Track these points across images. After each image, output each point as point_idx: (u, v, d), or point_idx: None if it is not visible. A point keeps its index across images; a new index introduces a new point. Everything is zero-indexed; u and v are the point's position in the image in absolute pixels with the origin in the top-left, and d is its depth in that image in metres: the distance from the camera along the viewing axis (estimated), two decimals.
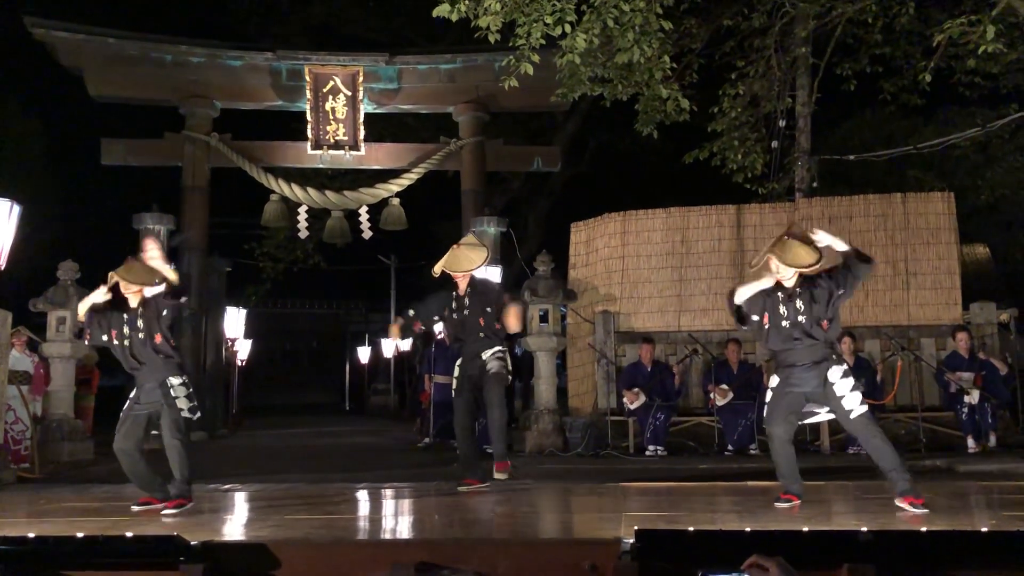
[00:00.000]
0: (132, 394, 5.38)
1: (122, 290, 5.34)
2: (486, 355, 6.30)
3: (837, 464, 8.04)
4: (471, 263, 6.36)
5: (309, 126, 14.12)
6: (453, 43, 14.99)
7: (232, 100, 14.44)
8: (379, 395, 28.74)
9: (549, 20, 8.34)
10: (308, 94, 14.01)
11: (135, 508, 5.20)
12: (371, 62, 14.18)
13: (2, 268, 7.19)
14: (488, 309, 6.37)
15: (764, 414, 5.39)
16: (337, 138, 14.14)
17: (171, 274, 5.37)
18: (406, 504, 5.91)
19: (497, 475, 6.35)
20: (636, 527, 3.08)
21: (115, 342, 5.35)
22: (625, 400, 9.75)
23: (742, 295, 5.25)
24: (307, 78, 14.01)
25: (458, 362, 6.53)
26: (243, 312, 19.87)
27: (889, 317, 10.38)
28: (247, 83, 14.31)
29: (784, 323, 5.11)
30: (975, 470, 7.54)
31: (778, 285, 5.17)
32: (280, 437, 15.65)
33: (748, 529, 3.17)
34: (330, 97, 14.07)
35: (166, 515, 5.05)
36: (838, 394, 5.02)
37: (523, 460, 8.96)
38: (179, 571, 3.04)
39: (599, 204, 13.44)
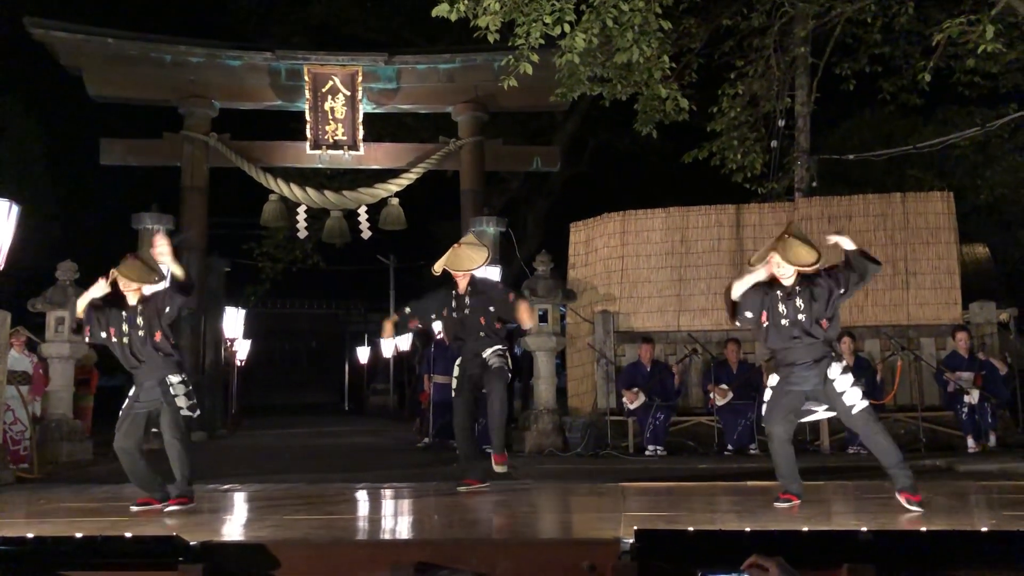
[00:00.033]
0: (131, 392, 5.38)
1: (121, 287, 5.34)
2: (487, 353, 6.29)
3: (837, 464, 8.04)
4: (472, 262, 6.35)
5: (308, 126, 14.11)
6: (452, 43, 14.97)
7: (231, 100, 14.43)
8: (378, 395, 28.75)
9: (548, 20, 8.34)
10: (307, 94, 14.01)
11: (134, 508, 5.19)
12: (370, 62, 14.18)
13: (1, 268, 7.17)
14: (491, 308, 6.36)
15: (763, 413, 5.38)
16: (336, 138, 14.13)
17: (178, 269, 5.37)
18: (405, 504, 5.90)
19: (496, 467, 6.35)
20: (636, 527, 3.07)
21: (114, 339, 5.34)
22: (625, 400, 9.75)
23: (739, 289, 5.25)
24: (306, 78, 14.00)
25: (457, 362, 6.52)
26: (242, 312, 19.85)
27: (889, 317, 10.38)
28: (246, 83, 14.30)
29: (784, 321, 5.11)
30: (975, 470, 7.54)
31: (777, 284, 5.17)
32: (279, 437, 15.65)
33: (748, 529, 3.17)
34: (329, 97, 14.07)
35: (169, 512, 5.07)
36: (839, 390, 5.03)
37: (523, 460, 8.96)
38: (178, 571, 3.04)
39: (598, 204, 13.44)
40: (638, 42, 8.89)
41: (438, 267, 6.38)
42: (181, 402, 5.31)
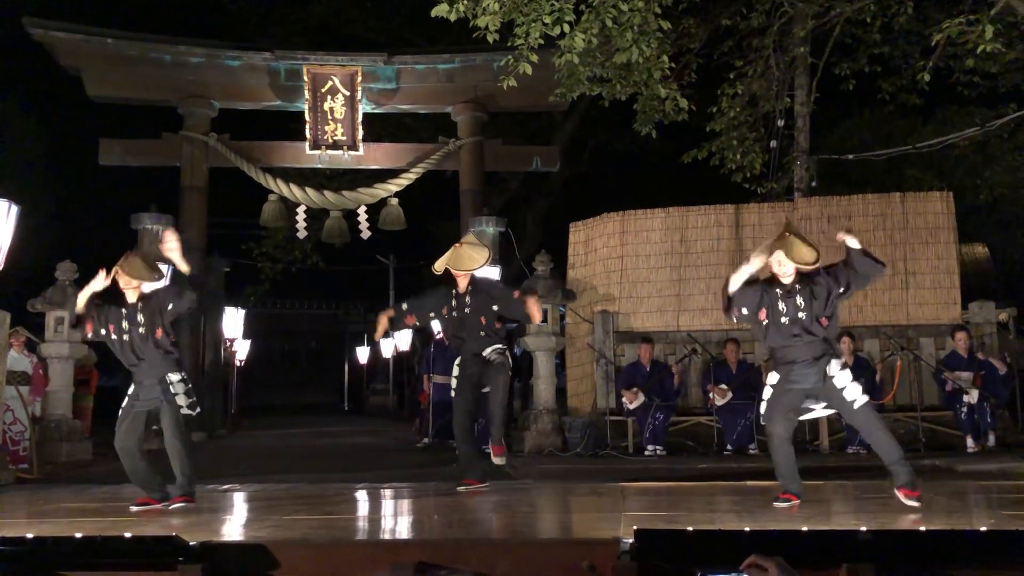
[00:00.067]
0: (131, 391, 5.38)
1: (120, 284, 5.34)
2: (487, 351, 6.30)
3: (836, 464, 8.05)
4: (474, 262, 6.35)
5: (307, 126, 14.11)
6: (451, 43, 14.97)
7: (230, 100, 14.43)
8: (378, 395, 28.74)
9: (547, 20, 8.35)
10: (306, 94, 14.00)
11: (134, 508, 5.19)
12: (369, 62, 14.17)
13: (1, 268, 7.17)
14: (494, 308, 6.36)
15: (763, 412, 5.38)
16: (335, 138, 14.13)
17: (184, 266, 5.37)
18: (405, 504, 5.90)
19: (495, 459, 6.36)
20: (635, 527, 3.07)
21: (113, 337, 5.34)
22: (624, 400, 9.75)
23: (735, 282, 5.25)
24: (305, 78, 14.00)
25: (457, 361, 6.52)
26: (242, 312, 19.87)
27: (888, 317, 10.39)
28: (245, 83, 14.30)
29: (783, 319, 5.12)
30: (974, 469, 7.55)
31: (776, 282, 5.18)
32: (279, 437, 15.65)
33: (747, 529, 3.16)
34: (328, 97, 14.07)
35: (172, 511, 5.09)
36: (839, 386, 5.04)
37: (522, 460, 8.97)
38: (177, 571, 3.04)
39: (598, 204, 13.43)
40: (637, 42, 8.89)
41: (439, 266, 6.38)
42: (181, 400, 5.31)
